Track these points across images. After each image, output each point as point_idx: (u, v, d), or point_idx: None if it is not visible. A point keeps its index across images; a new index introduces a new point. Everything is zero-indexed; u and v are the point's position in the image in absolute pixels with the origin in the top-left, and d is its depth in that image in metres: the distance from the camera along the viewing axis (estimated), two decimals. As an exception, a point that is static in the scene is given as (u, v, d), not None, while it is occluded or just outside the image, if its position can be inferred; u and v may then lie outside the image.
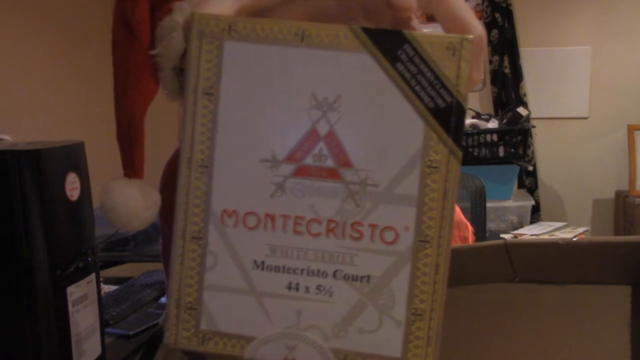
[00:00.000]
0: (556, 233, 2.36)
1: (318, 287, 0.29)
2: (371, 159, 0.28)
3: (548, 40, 2.92)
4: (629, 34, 2.86)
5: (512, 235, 2.42)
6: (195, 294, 0.30)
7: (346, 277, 0.29)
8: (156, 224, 2.39)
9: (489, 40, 2.93)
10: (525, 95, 2.92)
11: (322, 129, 0.28)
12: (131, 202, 0.65)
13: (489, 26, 2.92)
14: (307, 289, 0.29)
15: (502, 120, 2.69)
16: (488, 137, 2.58)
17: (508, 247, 0.90)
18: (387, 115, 0.28)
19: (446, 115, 0.28)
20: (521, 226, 2.56)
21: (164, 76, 0.67)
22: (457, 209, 1.04)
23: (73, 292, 0.99)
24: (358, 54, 0.28)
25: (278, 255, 0.29)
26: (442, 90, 0.28)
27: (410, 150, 0.28)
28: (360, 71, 0.28)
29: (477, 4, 2.95)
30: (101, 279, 1.19)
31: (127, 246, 2.33)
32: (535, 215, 2.82)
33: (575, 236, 2.26)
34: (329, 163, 0.29)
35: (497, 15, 2.90)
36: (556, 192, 2.98)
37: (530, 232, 2.39)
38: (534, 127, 2.80)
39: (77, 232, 1.00)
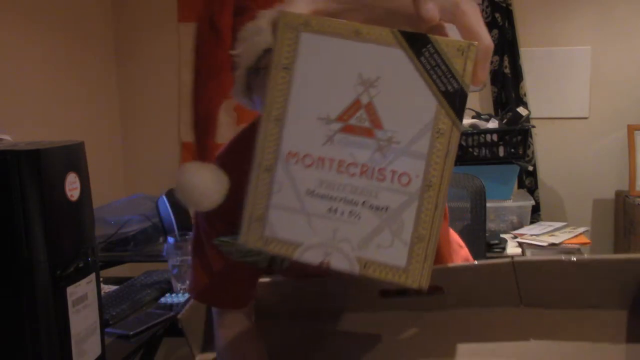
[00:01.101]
0: (556, 233, 2.36)
1: (350, 212, 0.40)
2: (396, 124, 0.40)
3: (548, 40, 2.92)
4: (628, 34, 2.86)
5: (512, 235, 2.42)
6: (264, 209, 0.41)
7: (371, 207, 0.40)
8: (156, 224, 2.39)
9: (489, 40, 2.93)
10: (525, 95, 2.92)
11: (364, 99, 0.40)
12: (203, 183, 0.73)
13: (489, 26, 2.92)
14: (342, 213, 0.40)
15: (502, 120, 2.68)
16: (488, 137, 2.58)
17: (515, 265, 0.90)
18: (411, 93, 0.39)
19: (453, 97, 0.39)
20: (521, 226, 2.56)
21: (238, 75, 0.76)
22: (468, 253, 1.08)
23: (73, 292, 0.98)
24: (394, 49, 0.39)
25: (324, 187, 0.40)
26: (451, 79, 0.39)
27: (424, 119, 0.39)
28: (395, 61, 0.39)
29: (477, 4, 2.95)
30: (101, 279, 1.19)
31: (127, 246, 2.33)
32: (535, 215, 2.82)
33: (575, 235, 2.25)
34: (367, 124, 0.40)
35: (497, 15, 2.90)
36: (556, 192, 2.98)
37: (530, 232, 2.39)
38: (534, 127, 2.80)
39: (77, 232, 1.00)
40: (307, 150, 0.40)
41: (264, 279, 0.99)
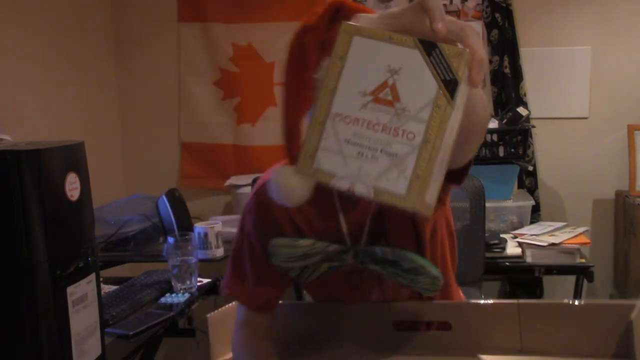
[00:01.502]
0: (556, 233, 2.36)
1: (372, 156, 0.59)
2: (409, 99, 0.58)
3: (548, 40, 2.92)
4: (629, 34, 2.86)
5: (512, 235, 2.42)
6: (315, 150, 0.60)
7: (386, 153, 0.58)
8: (156, 224, 2.40)
9: (489, 41, 2.93)
10: (525, 95, 2.92)
11: (390, 81, 0.59)
12: (291, 182, 0.90)
13: (489, 26, 2.92)
14: (367, 156, 0.59)
15: (502, 120, 2.68)
16: (488, 137, 2.58)
17: (520, 306, 1.00)
18: (421, 79, 0.58)
19: (449, 84, 0.57)
20: (521, 226, 2.56)
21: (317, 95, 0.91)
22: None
23: (73, 292, 0.99)
24: (413, 50, 0.58)
25: (356, 138, 0.59)
26: (449, 72, 0.57)
27: (428, 97, 0.57)
28: (413, 58, 0.58)
29: (477, 4, 2.95)
30: (101, 279, 1.19)
31: (127, 246, 2.33)
32: (535, 215, 2.82)
33: (575, 235, 2.25)
34: (389, 98, 0.58)
35: (497, 15, 2.90)
36: (556, 192, 2.98)
37: (530, 232, 2.39)
38: (534, 127, 2.79)
39: (77, 232, 1.00)
40: (348, 112, 0.60)
41: (282, 302, 1.09)
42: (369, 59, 0.59)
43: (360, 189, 0.59)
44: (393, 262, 0.98)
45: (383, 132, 0.58)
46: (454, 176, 0.85)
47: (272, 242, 1.00)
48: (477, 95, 0.73)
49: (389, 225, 1.02)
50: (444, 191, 0.99)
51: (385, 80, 0.58)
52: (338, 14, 0.88)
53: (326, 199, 1.01)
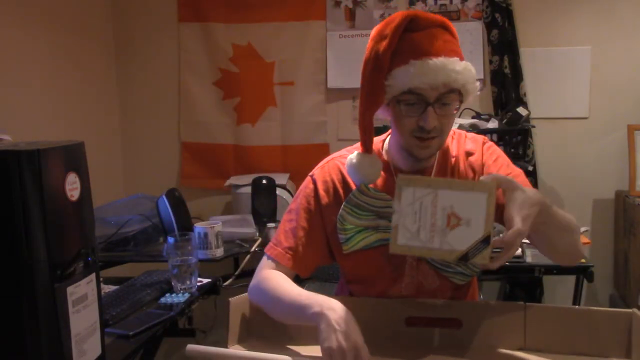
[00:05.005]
0: (556, 233, 2.35)
1: (414, 221, 1.01)
2: (457, 236, 1.00)
3: (548, 40, 2.92)
4: (628, 33, 2.86)
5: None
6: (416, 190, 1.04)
7: (423, 226, 1.01)
8: (156, 224, 2.40)
9: (489, 40, 2.93)
10: (525, 95, 2.92)
11: (459, 219, 1.00)
12: (362, 164, 1.15)
13: (489, 26, 2.92)
14: (415, 218, 1.01)
15: (502, 120, 2.68)
16: (488, 137, 2.57)
17: (526, 307, 1.07)
18: (478, 218, 1.00)
19: (486, 240, 1.01)
20: (521, 226, 2.55)
21: (386, 99, 1.12)
22: None
23: (73, 292, 0.99)
24: (486, 231, 1.00)
25: (424, 207, 1.01)
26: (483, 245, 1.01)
27: (470, 241, 1.00)
28: (478, 230, 1.00)
29: (477, 4, 2.95)
30: (101, 279, 1.19)
31: (127, 246, 2.33)
32: (535, 215, 2.81)
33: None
34: (454, 220, 1.00)
35: (497, 15, 2.90)
36: (556, 192, 2.98)
37: (530, 232, 2.38)
38: (534, 127, 2.79)
39: (77, 232, 1.00)
40: (441, 203, 0.99)
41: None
42: (471, 201, 0.98)
43: (401, 237, 1.00)
44: None
45: (432, 223, 0.98)
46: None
47: (354, 191, 1.18)
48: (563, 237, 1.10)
49: None
50: None
51: (453, 213, 0.99)
52: (410, 24, 1.07)
53: (391, 184, 1.17)
